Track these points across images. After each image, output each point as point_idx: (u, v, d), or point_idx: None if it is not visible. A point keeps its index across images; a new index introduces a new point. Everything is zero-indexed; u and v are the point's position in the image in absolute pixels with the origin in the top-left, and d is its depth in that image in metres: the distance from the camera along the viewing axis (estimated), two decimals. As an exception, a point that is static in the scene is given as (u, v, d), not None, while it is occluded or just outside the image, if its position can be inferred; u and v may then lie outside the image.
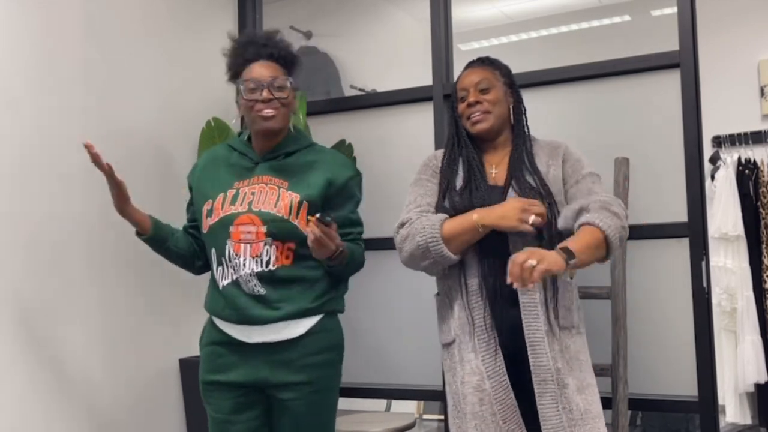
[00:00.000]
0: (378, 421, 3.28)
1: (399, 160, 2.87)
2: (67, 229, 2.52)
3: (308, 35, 3.91)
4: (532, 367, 1.94)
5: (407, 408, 4.31)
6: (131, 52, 2.80)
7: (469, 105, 2.10)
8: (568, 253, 1.78)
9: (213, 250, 2.10)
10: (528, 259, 1.71)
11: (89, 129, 2.61)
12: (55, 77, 2.52)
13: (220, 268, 2.08)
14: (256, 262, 2.03)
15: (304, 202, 2.06)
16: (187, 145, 2.95)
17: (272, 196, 2.07)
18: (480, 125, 2.09)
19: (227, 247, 2.06)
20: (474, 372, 1.98)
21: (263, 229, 2.03)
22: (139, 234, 2.18)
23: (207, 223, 2.10)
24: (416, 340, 2.76)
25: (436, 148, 2.74)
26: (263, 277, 2.03)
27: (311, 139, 2.34)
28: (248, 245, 2.04)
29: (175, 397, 2.94)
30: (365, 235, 2.80)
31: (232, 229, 2.05)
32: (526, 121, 2.17)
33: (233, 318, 2.07)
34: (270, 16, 3.32)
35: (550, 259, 1.73)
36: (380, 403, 4.20)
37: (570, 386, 1.93)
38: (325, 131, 2.95)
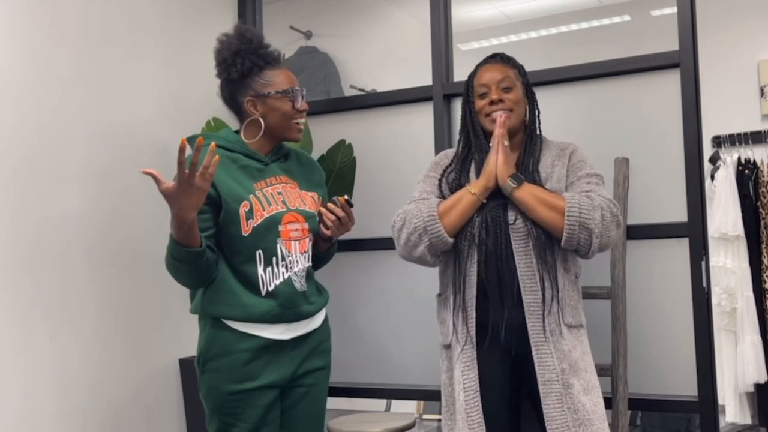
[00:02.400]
0: (378, 421, 3.27)
1: (399, 160, 2.87)
2: (66, 228, 2.52)
3: (308, 35, 3.91)
4: (536, 368, 1.95)
5: (407, 408, 4.31)
6: (131, 52, 2.80)
7: (492, 102, 2.08)
8: (517, 179, 1.97)
9: (259, 252, 2.03)
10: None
11: (89, 129, 2.61)
12: (55, 77, 2.52)
13: (269, 268, 2.03)
14: (305, 257, 2.11)
15: (321, 198, 2.20)
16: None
17: (295, 195, 2.13)
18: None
19: (278, 246, 2.05)
20: (458, 381, 2.03)
21: (306, 225, 2.11)
22: (184, 245, 1.90)
23: (249, 225, 2.02)
24: (416, 340, 2.76)
25: (436, 147, 2.75)
26: (307, 272, 2.12)
27: None
28: (297, 242, 2.09)
29: (175, 397, 2.94)
30: (365, 235, 2.81)
31: (281, 228, 2.06)
32: (539, 123, 2.16)
33: (282, 317, 2.04)
34: (270, 16, 3.32)
35: (504, 168, 1.98)
36: (380, 403, 4.20)
37: (575, 387, 1.94)
38: (325, 131, 2.95)
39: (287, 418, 2.13)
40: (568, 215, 1.91)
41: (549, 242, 1.97)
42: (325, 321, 2.22)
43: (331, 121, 3.00)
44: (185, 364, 2.91)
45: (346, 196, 2.08)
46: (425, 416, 4.30)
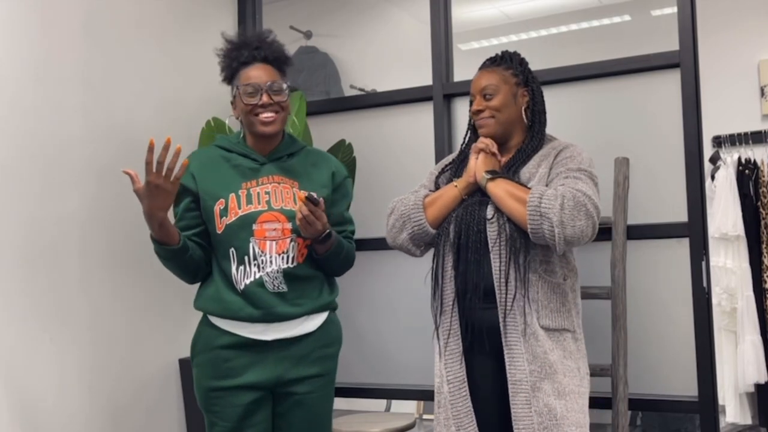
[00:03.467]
0: (378, 421, 3.28)
1: (399, 160, 2.87)
2: (66, 228, 2.52)
3: (308, 35, 3.91)
4: (507, 367, 1.94)
5: (407, 408, 4.31)
6: (131, 52, 2.80)
7: (474, 112, 2.12)
8: (494, 174, 2.00)
9: (232, 250, 2.06)
10: (481, 150, 2.05)
11: (89, 129, 2.62)
12: (55, 77, 2.52)
13: (242, 267, 2.05)
14: (283, 258, 2.07)
15: (321, 198, 2.12)
16: (187, 145, 2.92)
17: (288, 194, 2.11)
18: (482, 131, 2.11)
19: (251, 245, 2.05)
20: (437, 374, 2.04)
21: (288, 225, 2.08)
22: (161, 243, 2.01)
23: (223, 223, 2.06)
24: (416, 340, 2.76)
25: (437, 148, 2.75)
26: (287, 274, 2.07)
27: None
28: (274, 242, 2.06)
29: (174, 397, 2.94)
30: (365, 235, 2.80)
31: (255, 227, 2.06)
32: (544, 120, 2.15)
33: (254, 317, 2.04)
34: (270, 16, 3.32)
35: (482, 164, 2.03)
36: (380, 403, 4.19)
37: (544, 390, 1.91)
38: (325, 131, 2.95)
39: (281, 425, 2.13)
40: (528, 205, 1.89)
41: (524, 242, 1.95)
42: (326, 326, 2.16)
43: (331, 121, 3.00)
44: (185, 364, 2.91)
45: (307, 193, 2.01)
46: (425, 416, 4.30)
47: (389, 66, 3.75)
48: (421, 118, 2.83)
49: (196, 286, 2.20)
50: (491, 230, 1.97)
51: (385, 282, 2.84)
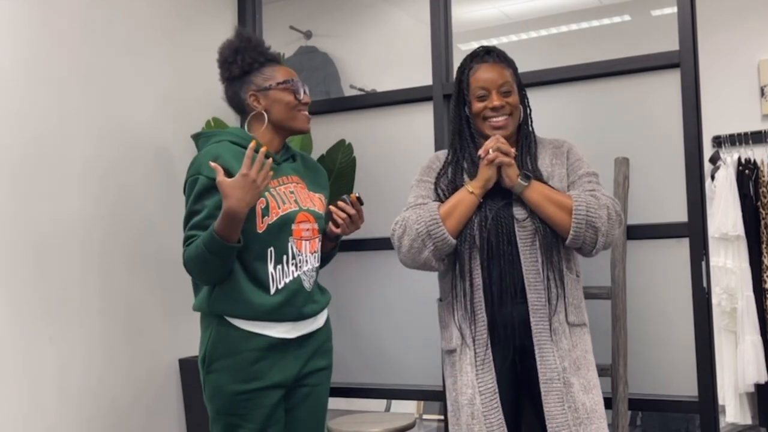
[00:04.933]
0: (378, 421, 3.27)
1: (399, 160, 2.87)
2: (66, 228, 2.52)
3: (308, 35, 3.91)
4: (538, 366, 1.95)
5: (407, 408, 4.31)
6: (131, 52, 2.80)
7: (494, 108, 2.04)
8: (527, 178, 1.97)
9: (270, 250, 2.03)
10: (497, 147, 1.96)
11: (89, 129, 2.61)
12: (55, 77, 2.52)
13: (279, 266, 2.04)
14: (314, 257, 2.14)
15: (326, 200, 2.22)
16: (187, 145, 2.95)
17: (305, 195, 2.15)
18: (501, 131, 2.04)
19: (290, 244, 2.06)
20: (468, 385, 2.00)
21: (316, 225, 2.14)
22: (224, 240, 1.91)
23: (265, 223, 2.03)
24: (416, 340, 2.76)
25: (436, 148, 2.75)
26: (316, 272, 2.15)
27: None
28: (308, 242, 2.11)
29: (174, 397, 2.94)
30: (365, 235, 2.81)
31: (294, 227, 2.07)
32: (532, 121, 2.15)
33: (287, 316, 2.04)
34: (270, 16, 3.32)
35: (511, 169, 1.97)
36: (380, 403, 4.20)
37: (575, 385, 1.94)
38: (324, 131, 2.95)
39: (290, 418, 2.13)
40: (575, 214, 1.93)
41: (555, 241, 1.98)
42: (327, 321, 2.23)
43: (331, 121, 3.00)
44: (185, 364, 2.91)
45: (357, 194, 2.10)
46: (425, 416, 4.30)
47: (389, 66, 3.74)
48: (421, 118, 2.83)
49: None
50: (524, 231, 1.98)
51: (385, 282, 2.84)
